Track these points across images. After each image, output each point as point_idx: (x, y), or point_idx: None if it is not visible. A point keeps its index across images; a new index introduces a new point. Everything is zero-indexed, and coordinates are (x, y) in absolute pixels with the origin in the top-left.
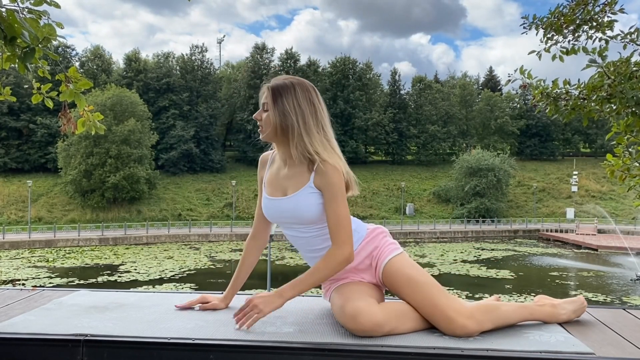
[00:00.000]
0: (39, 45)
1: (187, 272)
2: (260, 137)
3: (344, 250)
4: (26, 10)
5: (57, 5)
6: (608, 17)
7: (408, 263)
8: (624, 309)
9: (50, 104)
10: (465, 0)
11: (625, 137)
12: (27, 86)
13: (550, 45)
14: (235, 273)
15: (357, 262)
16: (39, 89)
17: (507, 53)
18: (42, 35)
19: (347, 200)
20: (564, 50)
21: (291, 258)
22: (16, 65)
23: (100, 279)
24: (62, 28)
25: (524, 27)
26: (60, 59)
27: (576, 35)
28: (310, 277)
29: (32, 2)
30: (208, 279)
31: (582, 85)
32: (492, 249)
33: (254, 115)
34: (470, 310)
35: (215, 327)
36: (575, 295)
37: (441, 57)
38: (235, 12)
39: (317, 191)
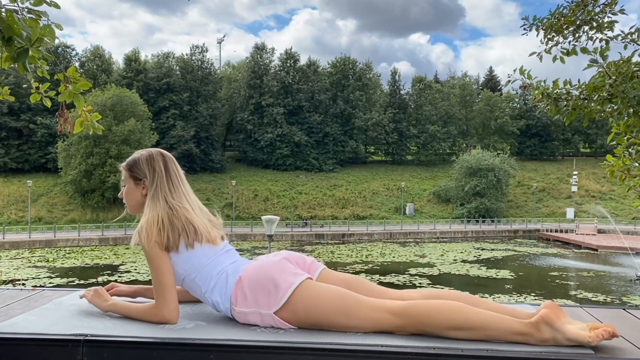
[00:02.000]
0: (34, 46)
1: None
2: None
3: (160, 312)
4: (26, 10)
5: (57, 6)
6: (608, 17)
7: (305, 304)
8: (624, 309)
9: (48, 103)
10: (464, 0)
11: (625, 138)
12: (25, 85)
13: (551, 47)
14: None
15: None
16: (37, 88)
17: (506, 53)
18: (37, 35)
19: (161, 257)
20: (565, 51)
21: None
22: (16, 65)
23: (100, 279)
24: (60, 29)
25: (524, 29)
26: (60, 59)
27: (576, 36)
28: (135, 312)
29: (31, 2)
30: None
31: (582, 86)
32: (492, 249)
33: (119, 194)
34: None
35: (215, 327)
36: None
37: (440, 57)
38: (234, 11)
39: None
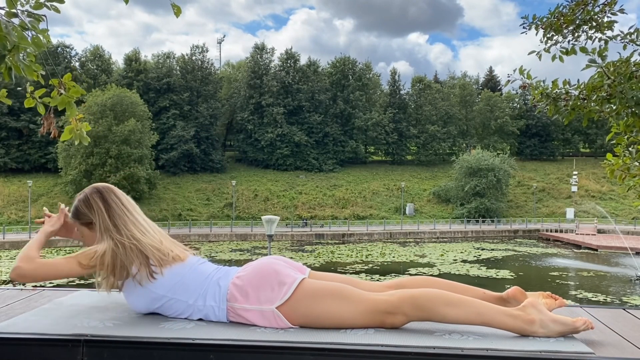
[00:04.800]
0: (11, 53)
1: None
2: None
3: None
4: (26, 13)
5: (57, 10)
6: (608, 17)
7: (306, 298)
8: (624, 309)
9: (42, 109)
10: (462, 0)
11: (625, 137)
12: (20, 88)
13: (550, 46)
14: None
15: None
16: (32, 92)
17: (505, 53)
18: (14, 44)
19: (81, 266)
20: (564, 50)
21: (291, 257)
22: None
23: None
24: (49, 42)
25: (524, 27)
26: (59, 59)
27: (576, 35)
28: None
29: (32, 5)
30: None
31: (582, 86)
32: (492, 249)
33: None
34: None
35: (215, 327)
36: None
37: (439, 56)
38: (231, 11)
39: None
